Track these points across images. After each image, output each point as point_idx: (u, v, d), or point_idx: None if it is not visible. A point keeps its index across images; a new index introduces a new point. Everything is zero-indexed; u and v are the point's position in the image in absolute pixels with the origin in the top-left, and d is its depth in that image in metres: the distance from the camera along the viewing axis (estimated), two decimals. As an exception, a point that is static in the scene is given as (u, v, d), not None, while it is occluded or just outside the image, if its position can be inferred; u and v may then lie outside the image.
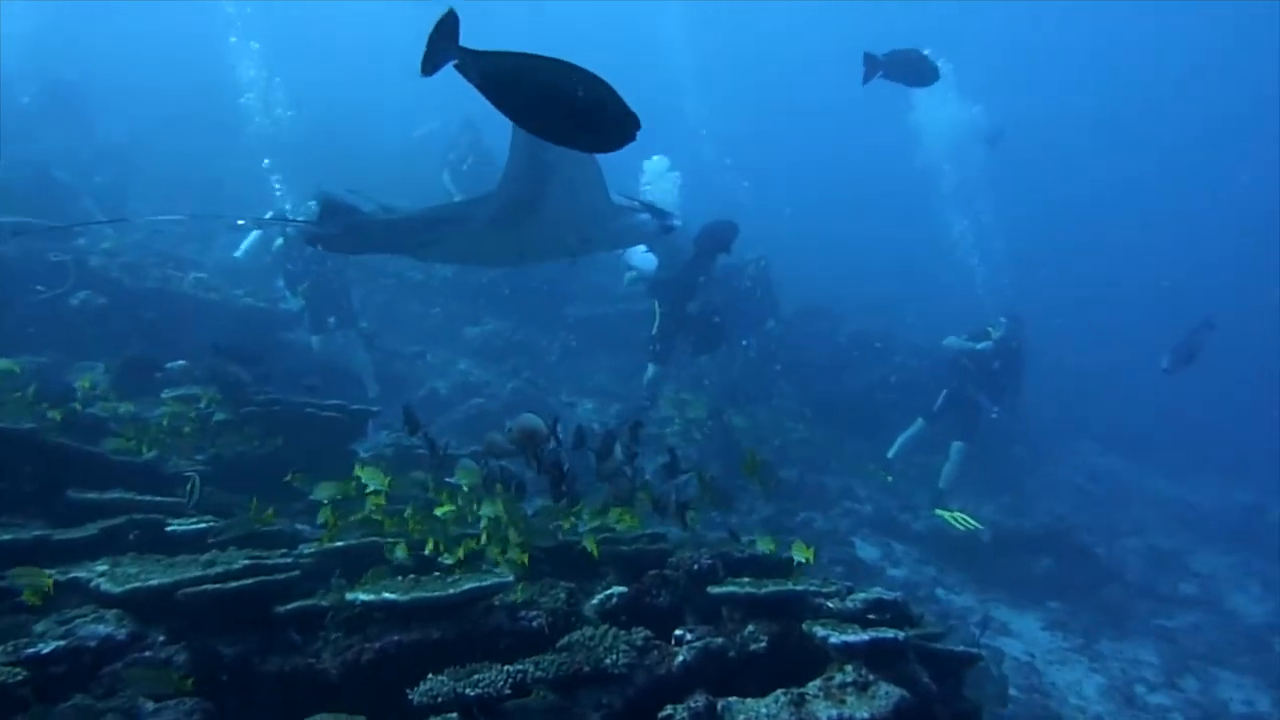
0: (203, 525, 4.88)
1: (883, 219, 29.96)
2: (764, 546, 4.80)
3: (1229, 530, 15.16)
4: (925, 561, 11.61)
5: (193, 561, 4.35)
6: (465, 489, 4.92)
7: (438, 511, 4.77)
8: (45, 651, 3.58)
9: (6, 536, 4.28)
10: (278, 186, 14.65)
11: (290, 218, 8.28)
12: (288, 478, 5.40)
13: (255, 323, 10.86)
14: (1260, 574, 13.78)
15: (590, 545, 4.73)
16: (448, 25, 2.51)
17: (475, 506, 4.88)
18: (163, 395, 7.15)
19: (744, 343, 13.11)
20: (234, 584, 4.03)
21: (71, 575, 4.13)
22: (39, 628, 3.76)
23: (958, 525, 10.23)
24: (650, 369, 11.72)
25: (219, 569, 4.13)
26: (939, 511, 10.89)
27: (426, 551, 4.52)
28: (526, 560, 4.49)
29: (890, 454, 12.06)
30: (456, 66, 2.49)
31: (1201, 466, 18.21)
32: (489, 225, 6.46)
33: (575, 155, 5.66)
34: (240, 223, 11.24)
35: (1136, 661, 10.28)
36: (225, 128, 18.48)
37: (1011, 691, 8.75)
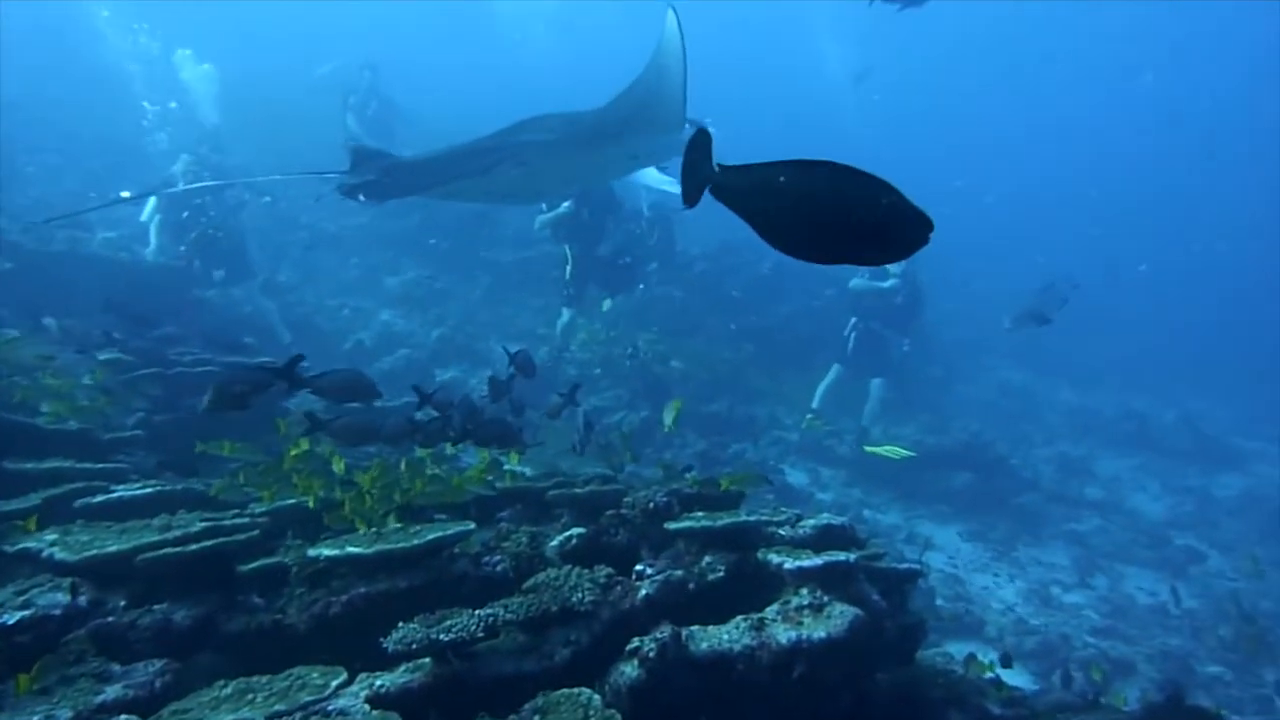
0: (149, 490, 4.81)
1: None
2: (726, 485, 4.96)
3: (1128, 435, 16.08)
4: (851, 484, 12.07)
5: (145, 526, 4.31)
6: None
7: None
8: (10, 622, 3.55)
9: (-52, 512, 4.17)
10: (163, 138, 14.07)
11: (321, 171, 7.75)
12: (198, 448, 5.29)
13: (169, 281, 10.49)
14: (1157, 473, 14.75)
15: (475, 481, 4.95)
16: (701, 144, 2.09)
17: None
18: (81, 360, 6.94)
19: (641, 286, 13.11)
20: (194, 546, 4.01)
21: (21, 546, 4.07)
22: (-2, 600, 3.72)
23: (891, 457, 10.54)
24: (565, 314, 11.75)
25: (178, 532, 4.10)
26: (868, 448, 11.12)
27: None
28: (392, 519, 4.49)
29: (815, 405, 12.22)
30: (713, 190, 2.08)
31: (1100, 377, 19.19)
32: (578, 146, 6.42)
33: (665, 70, 5.77)
34: (125, 194, 10.65)
35: (1051, 564, 10.94)
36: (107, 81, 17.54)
37: (938, 602, 9.24)
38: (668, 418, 6.24)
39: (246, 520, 4.43)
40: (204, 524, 4.22)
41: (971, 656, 5.72)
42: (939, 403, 14.97)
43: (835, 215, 1.96)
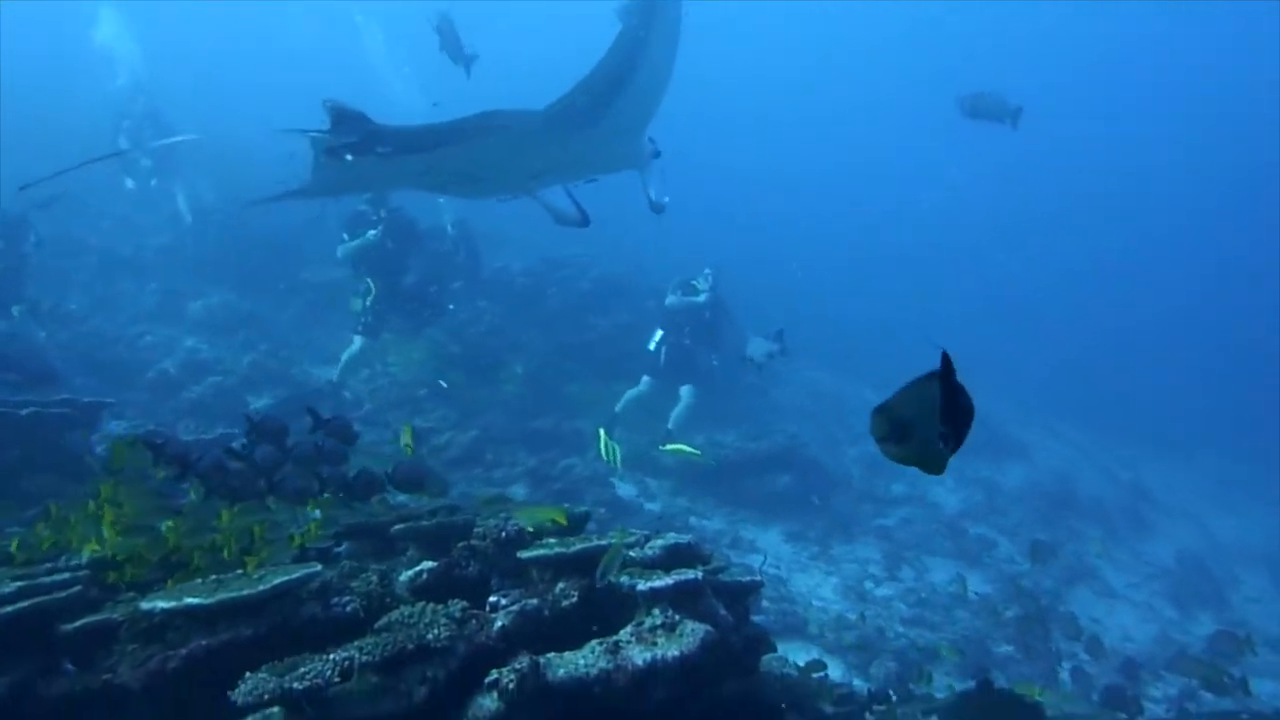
0: (-55, 548, 4.40)
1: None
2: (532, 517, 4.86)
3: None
4: (677, 493, 12.40)
5: (-55, 590, 3.94)
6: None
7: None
8: None
9: None
10: None
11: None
12: None
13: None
14: (952, 468, 15.79)
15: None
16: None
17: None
18: None
19: (450, 307, 12.98)
20: (9, 609, 3.71)
21: None
22: None
23: (686, 455, 10.90)
24: (356, 342, 11.45)
25: (-13, 595, 3.78)
26: (665, 447, 11.37)
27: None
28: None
29: (618, 409, 12.35)
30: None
31: (896, 376, 20.53)
32: (547, 129, 6.30)
33: (654, 70, 6.08)
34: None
35: (864, 560, 11.66)
36: None
37: (764, 603, 9.67)
38: (403, 438, 6.12)
39: (66, 576, 4.12)
40: (17, 583, 3.91)
41: (817, 663, 6.08)
42: (756, 409, 15.59)
43: None
